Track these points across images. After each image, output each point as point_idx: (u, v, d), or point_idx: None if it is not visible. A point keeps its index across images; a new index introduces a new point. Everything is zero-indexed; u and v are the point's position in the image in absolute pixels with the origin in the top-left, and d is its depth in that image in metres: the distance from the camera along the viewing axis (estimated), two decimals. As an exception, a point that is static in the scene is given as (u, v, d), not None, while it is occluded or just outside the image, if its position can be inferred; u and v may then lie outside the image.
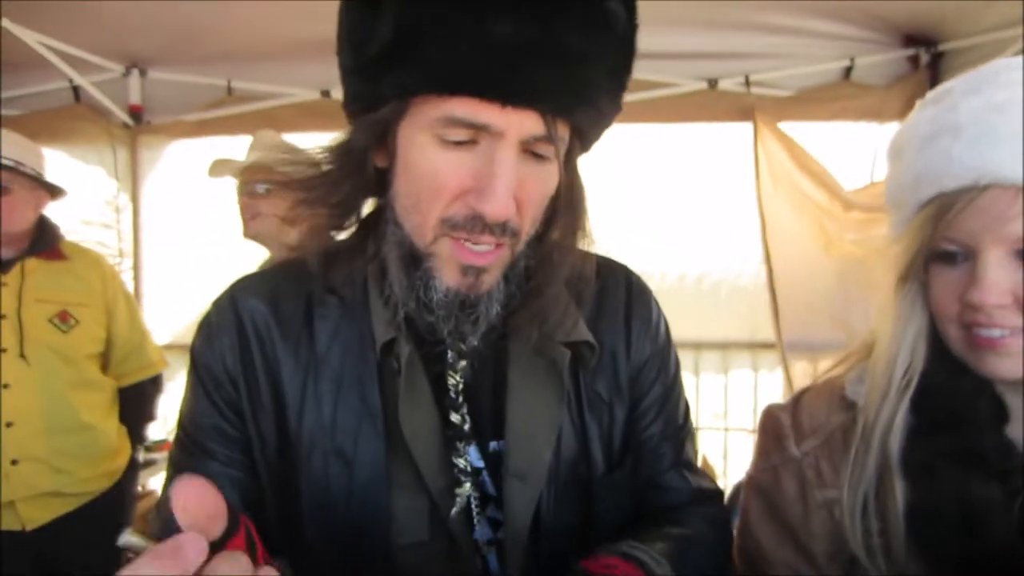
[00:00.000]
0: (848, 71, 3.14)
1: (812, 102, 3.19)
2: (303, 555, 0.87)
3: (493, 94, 0.71)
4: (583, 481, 0.91)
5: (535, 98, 0.73)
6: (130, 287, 3.38)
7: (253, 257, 2.47)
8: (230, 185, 2.38)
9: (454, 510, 0.86)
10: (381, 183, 0.85)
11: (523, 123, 0.74)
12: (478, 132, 0.74)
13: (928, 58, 3.03)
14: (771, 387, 3.47)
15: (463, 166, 0.76)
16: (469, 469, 0.88)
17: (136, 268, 3.51)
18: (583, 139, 0.85)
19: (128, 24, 2.90)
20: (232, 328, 0.89)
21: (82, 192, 2.63)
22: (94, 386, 2.28)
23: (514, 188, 0.76)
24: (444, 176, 0.76)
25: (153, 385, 2.52)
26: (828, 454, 0.90)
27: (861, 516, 0.84)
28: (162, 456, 3.38)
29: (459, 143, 0.75)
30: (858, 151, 3.19)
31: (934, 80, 2.96)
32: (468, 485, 0.87)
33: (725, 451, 3.57)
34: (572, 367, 0.91)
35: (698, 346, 3.51)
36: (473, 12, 0.69)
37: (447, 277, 0.81)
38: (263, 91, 3.38)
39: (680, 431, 1.02)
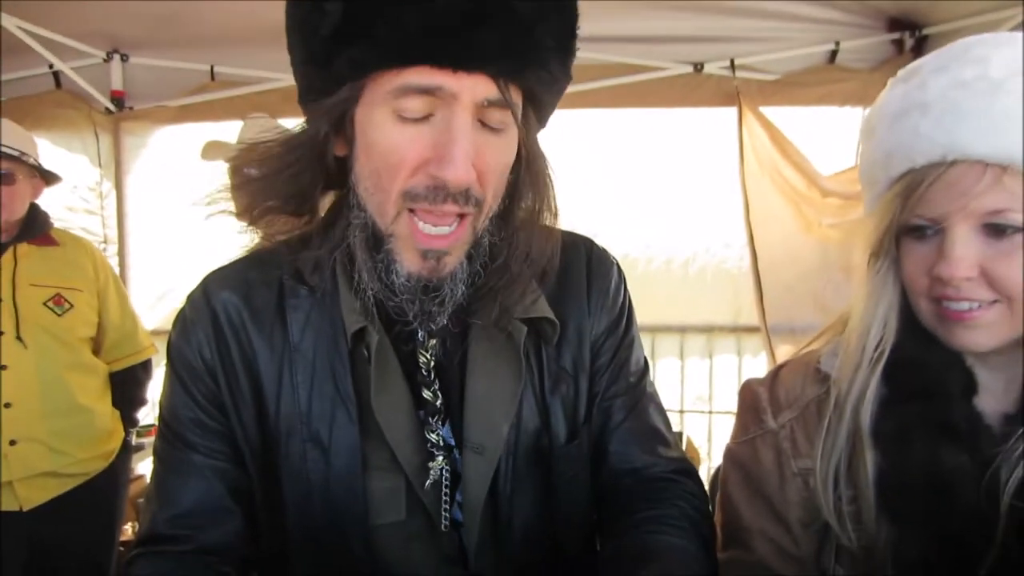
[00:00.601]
0: (833, 55, 3.16)
1: (797, 86, 3.20)
2: (285, 540, 0.90)
3: (444, 60, 0.73)
4: (544, 453, 0.93)
5: (485, 60, 0.74)
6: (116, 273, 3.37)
7: (237, 242, 2.47)
8: (218, 169, 2.38)
9: (427, 483, 0.88)
10: (341, 172, 0.86)
11: (475, 86, 0.75)
12: (433, 101, 0.76)
13: (912, 42, 3.04)
14: (755, 370, 3.50)
15: (421, 138, 0.77)
16: (442, 444, 0.90)
17: (121, 255, 3.50)
18: (537, 108, 0.86)
19: (109, 8, 2.87)
20: (207, 321, 0.90)
21: (66, 179, 2.63)
22: (88, 369, 2.31)
23: (472, 155, 0.77)
24: (403, 149, 0.77)
25: (143, 370, 2.56)
26: (803, 426, 0.92)
27: (833, 485, 0.86)
28: (150, 441, 3.38)
29: (416, 119, 0.76)
30: (842, 135, 3.21)
31: (918, 64, 2.97)
32: (440, 458, 0.89)
33: (709, 434, 3.60)
34: (535, 343, 0.92)
35: (683, 330, 3.54)
36: None
37: (407, 262, 0.82)
38: (247, 76, 3.35)
39: (632, 388, 1.00)
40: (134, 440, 2.67)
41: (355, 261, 0.86)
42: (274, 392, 0.88)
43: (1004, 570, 0.77)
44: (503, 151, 0.82)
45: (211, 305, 0.90)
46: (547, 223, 0.92)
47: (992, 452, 0.80)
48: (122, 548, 2.54)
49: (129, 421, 2.49)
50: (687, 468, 1.00)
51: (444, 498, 0.89)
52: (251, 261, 0.95)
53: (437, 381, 0.91)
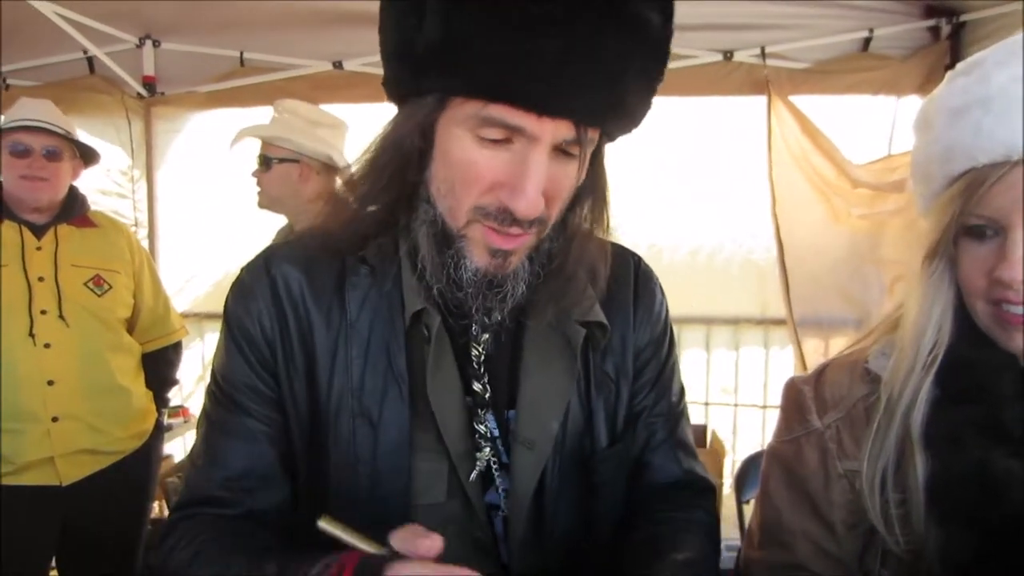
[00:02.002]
0: (867, 42, 3.09)
1: (829, 74, 3.14)
2: (327, 511, 0.90)
3: (532, 105, 0.74)
4: (586, 454, 0.96)
5: (571, 110, 0.76)
6: (147, 257, 3.42)
7: (268, 226, 2.50)
8: (248, 154, 2.39)
9: (473, 474, 0.90)
10: (418, 162, 0.87)
11: (557, 129, 0.76)
12: (513, 132, 0.77)
13: (949, 29, 2.96)
14: (781, 363, 3.48)
15: (497, 162, 0.79)
16: (489, 435, 0.92)
17: (151, 238, 3.54)
18: (611, 137, 0.88)
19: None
20: (267, 292, 0.92)
21: (99, 163, 2.67)
22: (126, 350, 2.35)
23: (543, 186, 0.79)
24: (479, 169, 0.79)
25: (174, 352, 2.59)
26: (850, 426, 0.91)
27: (880, 488, 0.86)
28: (178, 422, 3.44)
29: (495, 141, 0.78)
30: (875, 124, 3.16)
31: (955, 52, 2.91)
32: (488, 450, 0.91)
33: (735, 426, 3.58)
34: (583, 346, 0.94)
35: (709, 321, 3.51)
36: (518, 26, 0.71)
37: (476, 258, 0.85)
38: (275, 62, 3.36)
39: (672, 409, 1.06)
40: (165, 421, 2.72)
41: (419, 249, 0.89)
42: (327, 367, 0.90)
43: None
44: (572, 175, 0.84)
45: (272, 276, 0.92)
46: (600, 234, 0.95)
47: None
48: (151, 527, 2.59)
49: (161, 401, 2.53)
50: (711, 486, 1.07)
51: (490, 488, 0.92)
52: (312, 237, 0.96)
53: (486, 375, 0.93)
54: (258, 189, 2.36)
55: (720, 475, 2.79)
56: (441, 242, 0.86)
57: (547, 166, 0.78)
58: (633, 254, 1.07)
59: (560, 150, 0.80)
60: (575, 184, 0.85)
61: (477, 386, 0.92)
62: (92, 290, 2.24)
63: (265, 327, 0.91)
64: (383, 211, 0.92)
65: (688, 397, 1.10)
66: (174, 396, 3.50)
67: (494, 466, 0.92)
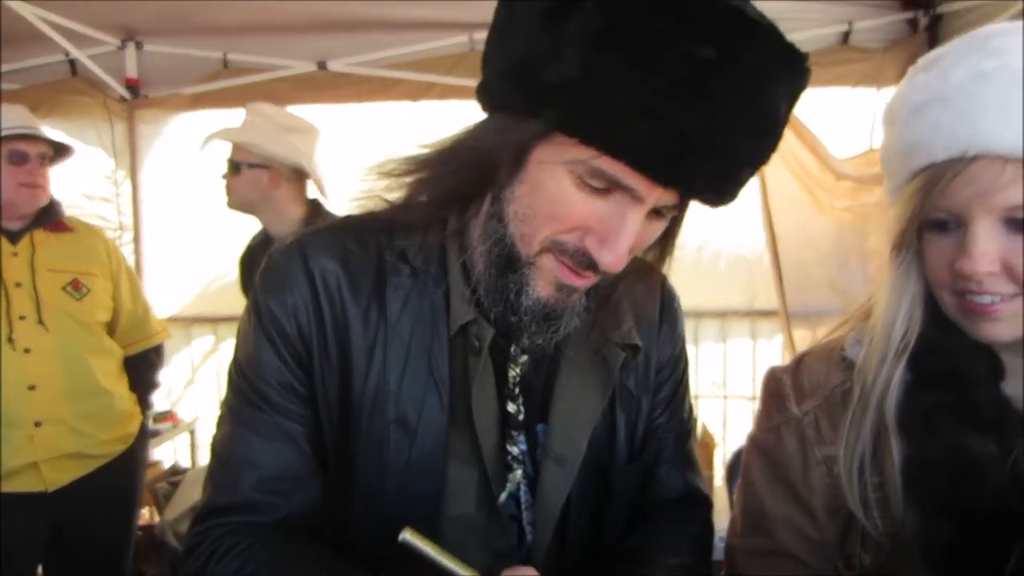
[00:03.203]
0: (846, 35, 3.13)
1: (811, 67, 3.16)
2: (349, 517, 0.90)
3: (652, 175, 0.71)
4: (606, 468, 0.96)
5: (687, 187, 0.74)
6: (131, 261, 3.40)
7: (256, 229, 2.50)
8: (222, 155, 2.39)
9: (504, 495, 0.90)
10: (499, 177, 0.82)
11: (664, 196, 0.75)
12: (617, 188, 0.74)
13: (927, 21, 3.01)
14: (769, 354, 3.51)
15: (593, 208, 0.75)
16: (521, 457, 0.92)
17: (136, 242, 3.53)
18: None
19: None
20: (305, 286, 0.87)
21: (81, 166, 2.65)
22: (107, 352, 2.36)
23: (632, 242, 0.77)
24: (571, 210, 0.76)
25: (156, 354, 2.59)
26: (827, 413, 0.92)
27: (858, 473, 0.87)
28: (166, 427, 3.43)
29: (596, 189, 0.74)
30: (856, 116, 3.18)
31: (932, 43, 2.94)
32: (519, 472, 0.92)
33: (724, 419, 3.61)
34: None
35: (698, 315, 3.54)
36: (667, 94, 0.67)
37: (541, 288, 0.82)
38: (259, 63, 3.36)
39: (683, 426, 1.09)
40: (151, 425, 2.71)
41: (472, 252, 0.87)
42: (363, 368, 0.87)
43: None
44: (657, 232, 0.82)
45: (309, 269, 0.87)
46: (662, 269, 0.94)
47: (1019, 437, 0.80)
48: (139, 533, 2.58)
49: (144, 404, 2.53)
50: (710, 502, 1.11)
51: (523, 509, 0.93)
52: (348, 230, 0.91)
53: (521, 396, 0.92)
54: (227, 193, 2.36)
55: (710, 467, 2.81)
56: (505, 265, 0.82)
57: (640, 224, 0.76)
58: (661, 274, 1.03)
59: (652, 212, 0.78)
60: (655, 238, 0.83)
61: (512, 407, 0.91)
62: (71, 294, 2.24)
63: (301, 323, 0.87)
64: (431, 209, 0.88)
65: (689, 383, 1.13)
66: (162, 401, 3.50)
67: (524, 486, 0.93)
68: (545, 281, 0.81)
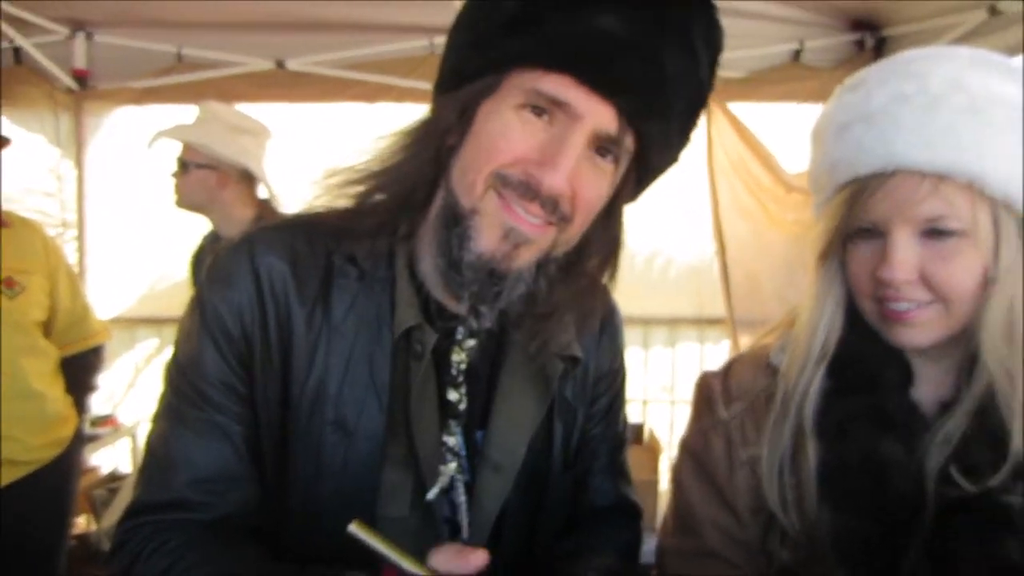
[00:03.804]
0: (798, 53, 3.22)
1: (763, 83, 3.26)
2: (285, 517, 0.90)
3: (589, 77, 0.77)
4: (542, 476, 0.98)
5: (621, 91, 0.78)
6: (73, 259, 3.31)
7: (204, 228, 2.46)
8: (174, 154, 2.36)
9: (435, 490, 0.90)
10: (446, 157, 0.86)
11: (601, 114, 0.79)
12: (557, 110, 0.79)
13: (873, 42, 3.12)
14: (717, 360, 3.57)
15: (534, 137, 0.80)
16: (456, 449, 0.92)
17: (80, 239, 3.42)
18: (640, 173, 0.89)
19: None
20: (251, 285, 0.86)
21: (23, 159, 2.55)
22: (41, 353, 2.27)
23: (572, 172, 0.79)
24: (514, 139, 0.80)
25: (95, 355, 2.50)
26: (752, 416, 0.96)
27: (778, 474, 0.90)
28: (105, 432, 3.33)
29: (536, 111, 0.80)
30: (805, 131, 3.25)
31: (878, 64, 3.04)
32: (453, 465, 0.92)
33: (672, 423, 3.67)
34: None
35: (648, 321, 3.60)
36: (591, 7, 0.77)
37: (486, 238, 0.82)
38: (215, 59, 3.31)
39: (617, 438, 1.11)
40: (87, 429, 2.63)
41: (420, 255, 0.89)
42: (304, 368, 0.86)
43: (932, 550, 0.82)
44: (598, 184, 0.84)
45: (255, 267, 0.86)
46: (604, 283, 0.96)
47: (924, 439, 0.85)
48: (73, 541, 2.50)
49: (81, 407, 2.44)
50: (640, 511, 1.14)
51: (451, 502, 0.93)
52: (296, 228, 0.91)
53: (464, 385, 0.93)
54: (175, 192, 2.33)
55: (656, 471, 2.84)
56: (450, 222, 0.83)
57: (581, 153, 0.80)
58: (605, 287, 1.06)
59: (596, 149, 0.81)
60: (599, 199, 0.85)
61: (453, 395, 0.92)
62: (3, 292, 2.14)
63: (245, 321, 0.86)
64: (383, 213, 0.88)
65: (626, 395, 1.14)
66: (103, 405, 3.40)
67: (457, 481, 0.93)
68: (490, 230, 0.82)
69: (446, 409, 0.92)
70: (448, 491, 0.93)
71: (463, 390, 0.92)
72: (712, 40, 0.84)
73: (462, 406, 0.92)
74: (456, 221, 0.83)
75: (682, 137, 0.88)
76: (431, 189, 0.87)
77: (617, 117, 0.79)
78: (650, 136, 0.83)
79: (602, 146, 0.81)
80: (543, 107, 0.79)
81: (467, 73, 0.83)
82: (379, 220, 0.88)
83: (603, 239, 0.90)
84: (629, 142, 0.82)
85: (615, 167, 0.84)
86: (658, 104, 0.81)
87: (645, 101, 0.80)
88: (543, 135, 0.80)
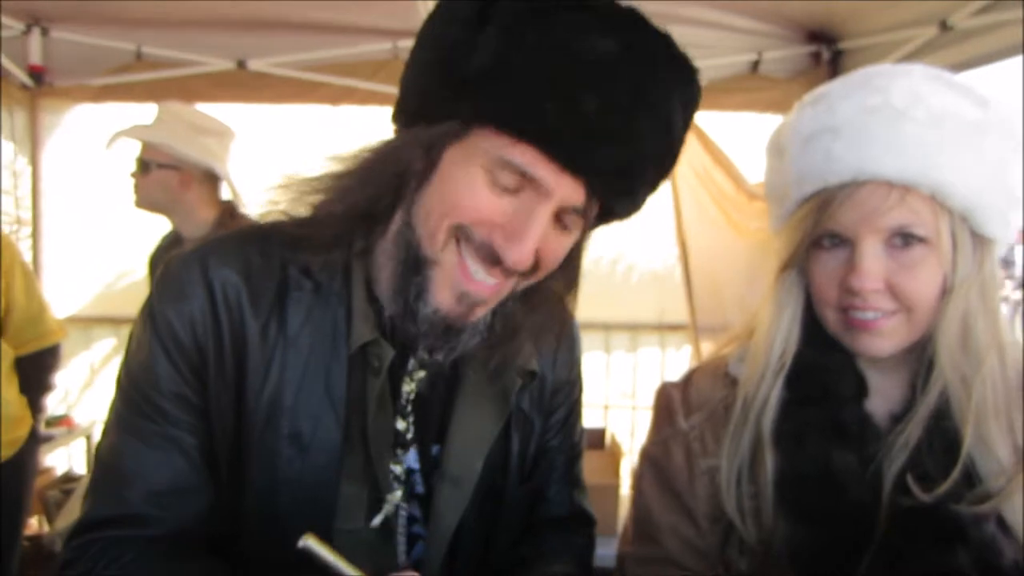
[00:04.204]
0: (756, 64, 3.28)
1: (722, 93, 3.30)
2: (240, 530, 0.89)
3: (561, 156, 0.75)
4: (499, 488, 0.99)
5: (592, 174, 0.77)
6: (28, 257, 3.24)
7: (161, 227, 2.43)
8: (132, 153, 2.32)
9: (379, 517, 0.91)
10: (409, 185, 0.84)
11: (570, 191, 0.78)
12: (526, 182, 0.77)
13: (829, 55, 3.19)
14: (678, 366, 3.62)
15: (500, 206, 0.78)
16: (403, 477, 0.93)
17: (35, 237, 3.35)
18: (606, 219, 0.88)
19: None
20: (203, 297, 0.85)
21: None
22: None
23: (538, 243, 0.79)
24: (480, 204, 0.78)
25: (51, 355, 2.46)
26: (712, 426, 0.98)
27: (736, 483, 0.93)
28: (60, 432, 3.27)
29: (504, 187, 0.78)
30: (763, 141, 3.32)
31: (834, 75, 3.11)
32: (399, 493, 0.92)
33: (633, 428, 3.69)
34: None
35: (609, 327, 3.62)
36: (573, 79, 0.73)
37: (440, 298, 0.82)
38: (175, 58, 3.25)
39: (573, 448, 1.12)
40: (42, 430, 2.58)
41: (377, 272, 0.87)
42: (259, 381, 0.85)
43: (884, 559, 0.84)
44: (562, 243, 0.84)
45: (209, 279, 0.85)
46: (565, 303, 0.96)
47: (878, 450, 0.88)
48: (26, 543, 2.45)
49: (36, 408, 2.40)
50: (594, 520, 1.15)
51: (403, 520, 0.94)
52: (250, 239, 0.90)
53: (413, 414, 0.93)
54: (135, 192, 2.30)
55: (617, 476, 2.87)
56: (410, 267, 0.83)
57: (546, 225, 0.79)
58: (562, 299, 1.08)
59: (560, 219, 0.80)
60: (563, 254, 0.85)
61: (401, 424, 0.92)
62: None
63: (198, 333, 0.85)
64: (340, 227, 0.87)
65: (588, 399, 1.16)
66: (58, 405, 3.33)
67: (403, 509, 0.93)
68: (446, 290, 0.82)
69: (396, 437, 0.92)
70: (398, 511, 0.94)
71: (411, 419, 0.93)
72: (690, 102, 0.83)
73: (409, 435, 0.93)
74: (416, 268, 0.83)
75: (651, 192, 0.87)
76: (390, 210, 0.86)
77: (585, 191, 0.79)
78: (619, 204, 0.84)
79: (569, 212, 0.81)
80: (511, 180, 0.77)
81: (434, 110, 0.80)
82: (335, 232, 0.87)
83: (565, 270, 0.90)
84: (594, 208, 0.82)
85: (581, 224, 0.84)
86: (629, 181, 0.81)
87: (617, 180, 0.79)
88: (509, 204, 0.78)
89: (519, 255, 0.78)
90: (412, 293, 0.83)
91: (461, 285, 0.81)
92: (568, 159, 0.75)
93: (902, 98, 0.84)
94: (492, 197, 0.78)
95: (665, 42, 0.78)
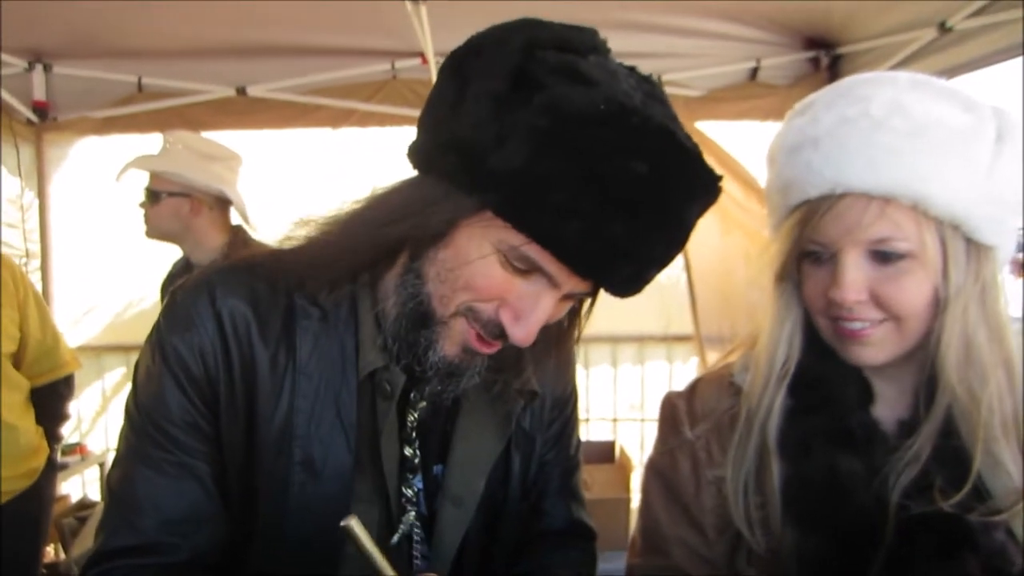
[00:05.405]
0: (755, 72, 3.29)
1: (721, 101, 3.32)
2: (250, 556, 0.89)
3: (580, 270, 0.77)
4: (499, 507, 1.00)
5: (605, 284, 0.81)
6: (39, 289, 3.26)
7: (168, 256, 2.44)
8: (138, 183, 2.34)
9: (396, 536, 0.92)
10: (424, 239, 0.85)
11: (579, 285, 0.80)
12: (538, 269, 0.78)
13: (828, 60, 3.20)
14: (685, 377, 3.60)
15: (511, 285, 0.80)
16: (414, 499, 0.94)
17: (44, 269, 3.40)
18: None
19: (31, 16, 2.78)
20: (213, 328, 0.86)
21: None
22: (12, 385, 2.24)
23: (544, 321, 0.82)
24: (492, 283, 0.80)
25: (66, 385, 2.47)
26: (717, 436, 0.98)
27: (743, 493, 0.92)
28: (75, 460, 3.29)
29: (516, 269, 0.79)
30: (763, 148, 3.31)
31: (833, 81, 3.10)
32: (412, 514, 0.93)
33: (642, 441, 3.67)
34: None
35: (615, 340, 3.62)
36: (602, 202, 0.73)
37: (448, 348, 0.85)
38: (175, 87, 3.29)
39: (569, 461, 1.12)
40: (59, 458, 2.60)
41: (383, 303, 0.88)
42: (270, 409, 0.86)
43: (893, 566, 0.83)
44: (566, 309, 0.87)
45: (217, 310, 0.86)
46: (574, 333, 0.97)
47: (885, 457, 0.87)
48: (43, 571, 2.46)
49: (52, 437, 2.41)
50: (594, 533, 1.14)
51: (415, 544, 0.95)
52: (256, 269, 0.90)
53: (418, 440, 0.94)
54: (145, 223, 2.31)
55: (627, 489, 2.85)
56: (418, 321, 0.84)
57: (553, 306, 0.81)
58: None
59: (566, 296, 0.83)
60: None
61: (408, 451, 0.93)
62: None
63: (208, 364, 0.86)
64: (346, 258, 0.87)
65: (596, 414, 1.17)
66: (71, 433, 3.36)
67: (416, 529, 0.95)
68: (453, 342, 0.84)
69: (404, 462, 0.93)
70: (411, 535, 0.95)
71: (416, 445, 0.94)
72: (708, 204, 0.82)
73: (416, 460, 0.94)
74: (424, 322, 0.84)
75: (656, 276, 0.87)
76: (394, 255, 0.87)
77: (594, 286, 0.82)
78: (627, 292, 0.84)
79: (575, 295, 0.83)
80: (523, 265, 0.78)
81: (451, 178, 0.79)
82: (340, 267, 0.88)
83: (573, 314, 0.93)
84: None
85: (591, 303, 0.89)
86: (640, 283, 0.82)
87: (628, 283, 0.81)
88: (521, 284, 0.80)
89: (524, 335, 0.80)
90: (422, 345, 0.84)
91: (469, 344, 0.84)
92: (585, 272, 0.78)
93: (881, 108, 0.83)
94: (504, 275, 0.79)
95: (692, 158, 0.76)
